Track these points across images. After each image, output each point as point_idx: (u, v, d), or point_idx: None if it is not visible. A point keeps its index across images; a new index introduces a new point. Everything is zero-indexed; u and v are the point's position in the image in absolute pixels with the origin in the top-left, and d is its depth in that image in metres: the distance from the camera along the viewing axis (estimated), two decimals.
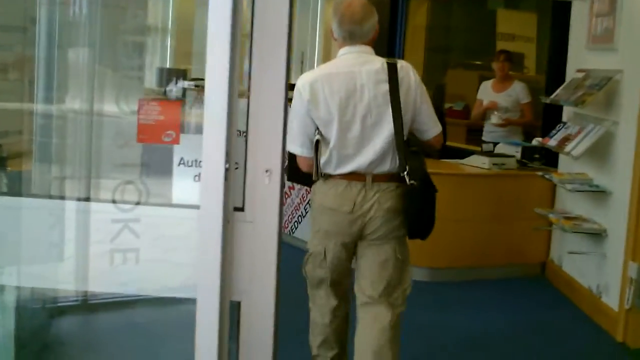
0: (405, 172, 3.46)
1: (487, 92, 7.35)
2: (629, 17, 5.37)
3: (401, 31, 9.00)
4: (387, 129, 3.47)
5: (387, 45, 8.94)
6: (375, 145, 3.48)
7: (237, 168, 2.30)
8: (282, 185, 2.32)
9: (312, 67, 13.20)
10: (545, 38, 7.87)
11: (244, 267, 2.23)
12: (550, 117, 6.88)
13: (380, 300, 3.60)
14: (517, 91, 7.19)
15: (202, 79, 2.34)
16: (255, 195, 2.29)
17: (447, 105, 9.51)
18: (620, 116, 5.38)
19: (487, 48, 9.97)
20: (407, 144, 3.51)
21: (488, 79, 7.89)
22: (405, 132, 3.50)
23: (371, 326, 3.57)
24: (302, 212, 7.13)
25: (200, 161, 2.32)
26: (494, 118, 7.00)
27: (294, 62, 13.20)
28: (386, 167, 3.52)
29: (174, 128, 2.35)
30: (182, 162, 2.40)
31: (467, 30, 10.47)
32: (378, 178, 3.52)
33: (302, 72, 13.48)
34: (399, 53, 8.96)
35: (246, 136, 2.29)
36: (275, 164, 2.28)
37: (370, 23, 3.53)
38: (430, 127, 3.61)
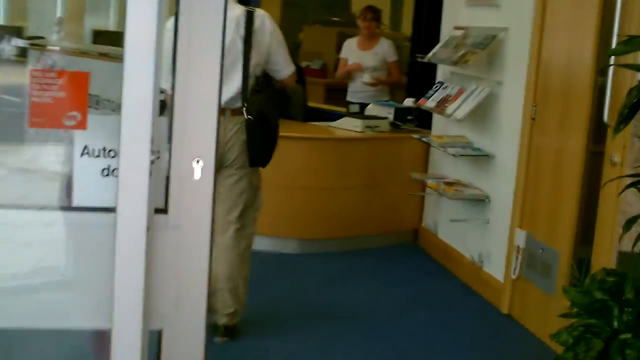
0: (244, 108, 3.95)
1: (352, 51, 6.96)
2: None
3: None
4: (240, 69, 3.95)
5: None
6: (232, 84, 3.92)
7: (158, 157, 1.69)
8: (215, 179, 1.71)
9: None
10: None
11: (167, 286, 1.63)
12: (417, 77, 6.59)
13: (236, 224, 4.07)
14: (385, 49, 6.86)
15: (41, 37, 1.76)
16: (182, 193, 1.68)
17: (304, 64, 9.04)
18: (504, 76, 5.10)
19: (344, 3, 9.59)
20: (257, 83, 4.02)
21: (348, 36, 7.50)
22: (254, 72, 4.00)
23: (227, 251, 4.06)
24: None
25: (110, 150, 1.72)
26: (366, 77, 6.60)
27: None
28: (239, 103, 3.96)
29: (79, 108, 1.71)
30: (86, 151, 1.75)
31: None
32: (234, 112, 3.96)
33: None
34: (254, 5, 8.42)
35: (170, 114, 1.68)
36: (208, 150, 1.69)
37: None
38: (283, 68, 4.20)
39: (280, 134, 4.16)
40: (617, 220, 3.67)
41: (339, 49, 9.29)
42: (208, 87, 1.69)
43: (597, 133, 4.12)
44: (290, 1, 9.07)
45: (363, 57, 6.82)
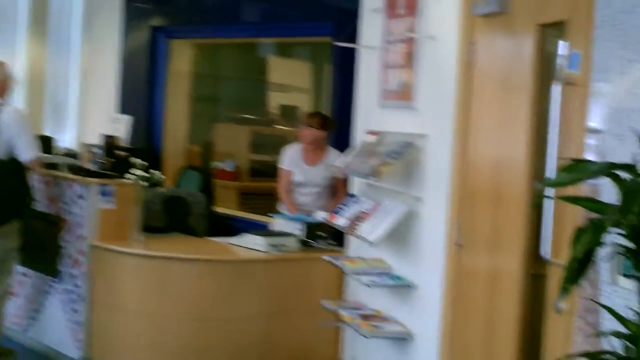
0: None
1: (297, 164, 5.82)
2: (433, 69, 4.41)
3: (162, 77, 7.78)
4: None
5: (146, 90, 7.71)
6: None
7: None
8: None
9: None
10: (322, 89, 6.89)
11: None
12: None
13: None
14: (332, 161, 5.63)
15: None
16: None
17: (215, 165, 8.27)
18: (424, 191, 4.37)
19: (259, 99, 8.90)
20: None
21: (263, 135, 6.74)
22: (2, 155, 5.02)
23: None
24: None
25: None
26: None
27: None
28: None
29: None
30: None
31: (237, 79, 9.35)
32: None
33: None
34: (159, 100, 7.74)
35: None
36: None
37: None
38: (23, 152, 5.07)
39: (167, 253, 4.04)
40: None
41: (253, 148, 8.60)
42: None
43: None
44: (200, 95, 8.36)
45: (310, 173, 5.77)
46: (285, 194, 5.80)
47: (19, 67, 12.09)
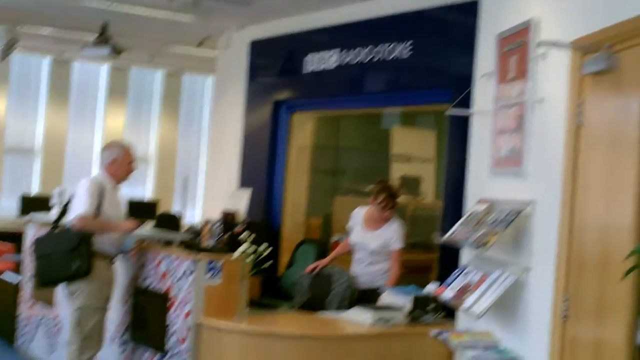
0: None
1: (358, 226, 6.02)
2: (541, 132, 4.20)
3: (283, 150, 7.85)
4: None
5: (267, 164, 7.77)
6: None
7: None
8: None
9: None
10: (443, 158, 6.72)
11: None
12: (447, 256, 5.61)
13: None
14: (389, 234, 5.84)
15: None
16: None
17: (335, 238, 8.16)
18: (532, 260, 4.12)
19: (381, 171, 8.79)
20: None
21: None
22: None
23: None
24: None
25: None
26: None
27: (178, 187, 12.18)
28: None
29: None
30: None
31: (358, 150, 9.29)
32: None
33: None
34: (279, 174, 7.78)
35: None
36: None
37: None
38: (71, 214, 5.38)
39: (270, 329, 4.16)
40: None
41: None
42: None
43: None
44: (322, 168, 8.36)
45: (365, 237, 5.90)
46: (338, 248, 6.24)
47: (152, 145, 12.67)
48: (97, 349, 5.43)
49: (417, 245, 7.43)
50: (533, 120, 4.30)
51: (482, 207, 4.65)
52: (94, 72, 12.28)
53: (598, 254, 3.52)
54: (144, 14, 8.08)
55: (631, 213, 3.26)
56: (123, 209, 6.29)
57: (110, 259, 5.50)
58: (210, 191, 8.95)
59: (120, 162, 5.57)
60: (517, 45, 4.54)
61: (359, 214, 6.07)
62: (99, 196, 5.35)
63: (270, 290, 6.87)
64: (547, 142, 4.14)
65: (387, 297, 5.33)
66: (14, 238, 9.00)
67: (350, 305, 5.54)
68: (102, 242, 5.39)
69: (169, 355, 5.37)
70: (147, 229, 5.94)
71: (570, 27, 3.97)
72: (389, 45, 6.64)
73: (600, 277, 3.47)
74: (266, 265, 5.26)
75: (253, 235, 5.24)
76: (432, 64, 6.28)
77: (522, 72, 4.48)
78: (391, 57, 6.63)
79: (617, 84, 3.58)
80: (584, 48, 3.77)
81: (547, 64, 4.23)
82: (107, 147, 5.75)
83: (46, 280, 5.47)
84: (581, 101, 3.82)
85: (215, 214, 7.01)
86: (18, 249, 8.51)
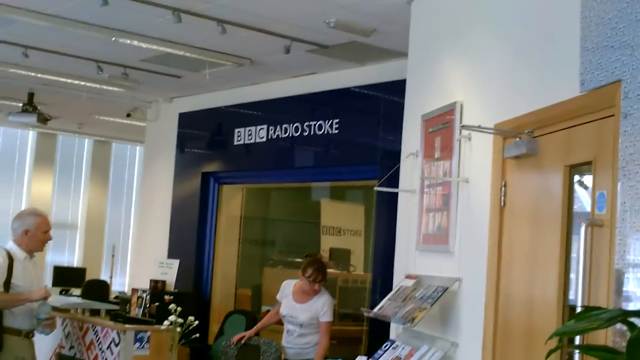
0: None
1: (286, 298, 6.09)
2: (467, 211, 4.35)
3: (212, 221, 7.89)
4: None
5: (197, 234, 7.80)
6: None
7: None
8: None
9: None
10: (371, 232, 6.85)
11: None
12: (377, 329, 5.70)
13: None
14: (318, 306, 5.90)
15: None
16: None
17: (265, 308, 8.18)
18: (459, 336, 4.22)
19: (310, 243, 8.88)
20: None
21: None
22: None
23: None
24: None
25: None
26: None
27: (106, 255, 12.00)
28: None
29: None
30: None
31: (287, 222, 9.39)
32: None
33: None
34: (209, 244, 7.79)
35: None
36: None
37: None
38: None
39: None
40: None
41: None
42: None
43: None
44: (251, 239, 8.40)
45: (294, 310, 5.97)
46: (265, 318, 6.40)
47: (80, 212, 12.53)
48: None
49: (346, 317, 7.51)
50: (459, 199, 4.45)
51: (410, 282, 4.76)
52: (22, 138, 12.16)
53: (524, 327, 3.64)
54: (72, 83, 8.10)
55: (555, 287, 3.40)
56: (43, 277, 6.16)
57: (24, 333, 5.25)
58: (138, 259, 8.90)
59: (33, 233, 5.37)
60: (442, 126, 4.71)
61: (289, 286, 6.14)
62: (7, 270, 5.14)
63: None
64: (472, 221, 4.28)
65: None
66: None
67: None
68: (14, 317, 5.17)
69: None
70: (62, 297, 5.83)
71: (492, 111, 4.15)
72: (317, 122, 6.80)
73: (526, 350, 3.58)
74: (195, 336, 5.25)
75: (180, 309, 5.23)
76: (359, 141, 6.45)
77: (447, 153, 4.63)
78: (320, 133, 6.79)
79: (538, 166, 3.75)
80: (505, 132, 3.95)
81: (471, 145, 4.40)
82: (18, 217, 5.51)
83: None
84: (504, 183, 3.99)
85: (144, 283, 6.98)
86: None
